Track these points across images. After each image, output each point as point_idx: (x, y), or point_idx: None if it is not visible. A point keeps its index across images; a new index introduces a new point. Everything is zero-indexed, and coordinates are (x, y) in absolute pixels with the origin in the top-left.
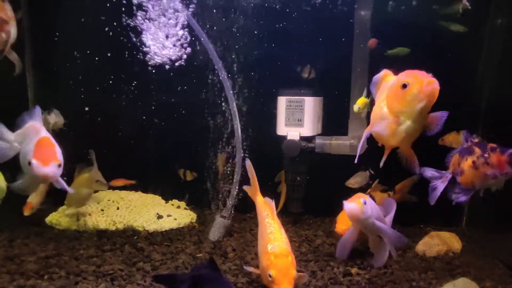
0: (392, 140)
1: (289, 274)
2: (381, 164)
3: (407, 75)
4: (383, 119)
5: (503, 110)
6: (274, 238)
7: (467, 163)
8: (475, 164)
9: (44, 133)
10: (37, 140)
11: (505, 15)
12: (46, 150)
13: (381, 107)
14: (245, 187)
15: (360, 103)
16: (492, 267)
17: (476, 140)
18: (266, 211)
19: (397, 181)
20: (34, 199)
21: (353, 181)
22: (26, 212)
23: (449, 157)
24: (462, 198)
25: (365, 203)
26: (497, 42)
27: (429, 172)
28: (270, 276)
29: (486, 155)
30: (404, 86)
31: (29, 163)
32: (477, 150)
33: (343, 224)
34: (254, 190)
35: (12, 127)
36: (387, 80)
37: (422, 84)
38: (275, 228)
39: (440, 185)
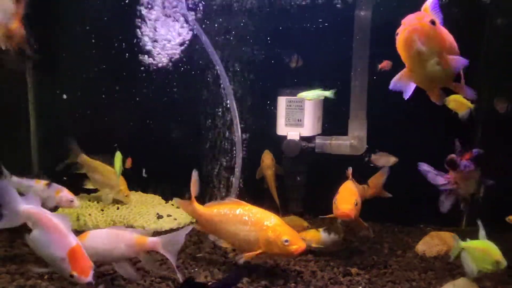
0: (427, 86)
1: (297, 234)
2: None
3: (403, 22)
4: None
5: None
6: (265, 215)
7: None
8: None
9: (73, 240)
10: (69, 250)
11: (505, 15)
12: (83, 261)
13: None
14: (177, 201)
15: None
16: None
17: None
18: (224, 208)
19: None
20: None
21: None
22: None
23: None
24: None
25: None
26: (497, 42)
27: (426, 168)
28: (286, 241)
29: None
30: (396, 34)
31: (71, 276)
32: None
33: (347, 203)
34: (192, 202)
35: (12, 127)
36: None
37: (400, 35)
38: (256, 209)
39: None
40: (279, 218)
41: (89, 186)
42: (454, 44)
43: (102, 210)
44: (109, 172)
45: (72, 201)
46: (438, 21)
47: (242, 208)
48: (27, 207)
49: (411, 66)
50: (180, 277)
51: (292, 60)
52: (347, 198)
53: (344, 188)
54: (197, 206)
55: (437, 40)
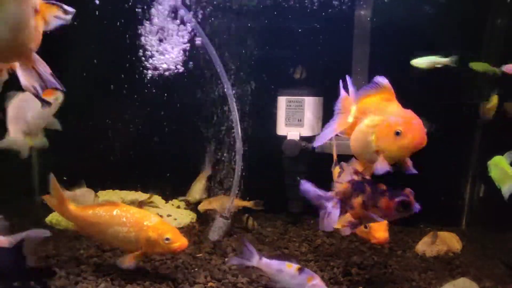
0: (369, 162)
1: (178, 232)
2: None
3: (403, 122)
4: (367, 146)
5: (504, 110)
6: (144, 215)
7: (357, 201)
8: (365, 204)
9: None
10: None
11: (505, 15)
12: None
13: (368, 133)
14: (47, 197)
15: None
16: (492, 267)
17: (367, 177)
18: (100, 209)
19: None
20: None
21: None
22: None
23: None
24: (348, 231)
25: None
26: (497, 42)
27: (310, 189)
28: (167, 239)
29: (375, 197)
30: (397, 133)
31: None
32: (368, 189)
33: (383, 230)
34: (61, 201)
35: None
36: (385, 101)
37: (415, 138)
38: (134, 209)
39: (334, 211)
40: (159, 217)
41: None
42: None
43: None
44: None
45: None
46: None
47: (119, 209)
48: None
49: (394, 156)
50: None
51: (296, 71)
52: (380, 223)
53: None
54: (71, 207)
55: None
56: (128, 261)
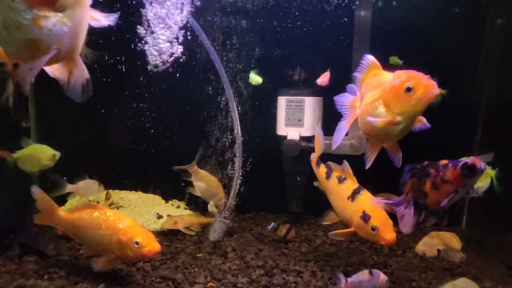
0: (386, 138)
1: (152, 236)
2: (368, 165)
3: (409, 78)
4: (379, 118)
5: (503, 110)
6: (119, 218)
7: (427, 186)
8: (435, 184)
9: None
10: None
11: (505, 15)
12: None
13: (374, 106)
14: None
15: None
16: (492, 267)
17: (426, 162)
18: (84, 213)
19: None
20: None
21: None
22: None
23: (403, 180)
24: (433, 220)
25: None
26: (497, 42)
27: (382, 202)
28: (137, 243)
29: (441, 173)
30: (409, 89)
31: None
32: (432, 170)
33: (391, 231)
34: (51, 209)
35: (12, 127)
36: (375, 76)
37: (428, 88)
38: (111, 212)
39: (407, 211)
40: (133, 221)
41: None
42: None
43: None
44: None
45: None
46: None
47: (99, 212)
48: None
49: (412, 114)
50: None
51: (295, 73)
52: (388, 223)
53: (375, 210)
54: (61, 212)
55: None
56: (102, 264)
